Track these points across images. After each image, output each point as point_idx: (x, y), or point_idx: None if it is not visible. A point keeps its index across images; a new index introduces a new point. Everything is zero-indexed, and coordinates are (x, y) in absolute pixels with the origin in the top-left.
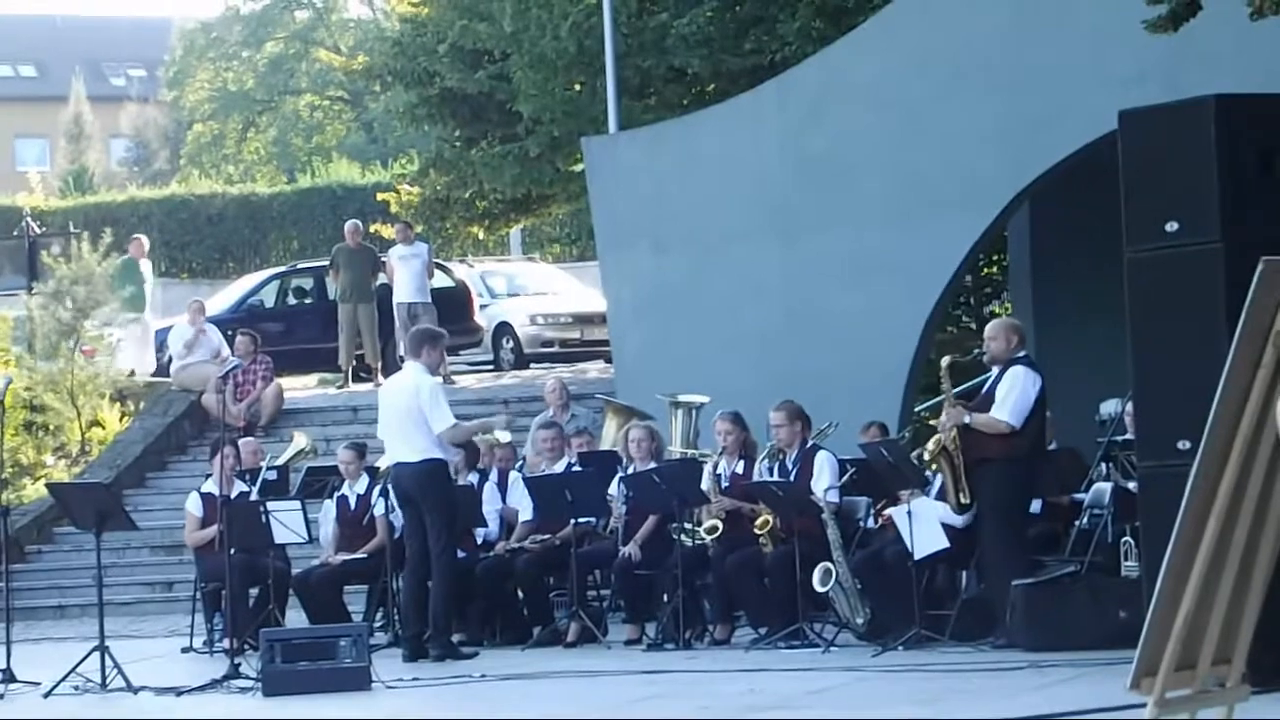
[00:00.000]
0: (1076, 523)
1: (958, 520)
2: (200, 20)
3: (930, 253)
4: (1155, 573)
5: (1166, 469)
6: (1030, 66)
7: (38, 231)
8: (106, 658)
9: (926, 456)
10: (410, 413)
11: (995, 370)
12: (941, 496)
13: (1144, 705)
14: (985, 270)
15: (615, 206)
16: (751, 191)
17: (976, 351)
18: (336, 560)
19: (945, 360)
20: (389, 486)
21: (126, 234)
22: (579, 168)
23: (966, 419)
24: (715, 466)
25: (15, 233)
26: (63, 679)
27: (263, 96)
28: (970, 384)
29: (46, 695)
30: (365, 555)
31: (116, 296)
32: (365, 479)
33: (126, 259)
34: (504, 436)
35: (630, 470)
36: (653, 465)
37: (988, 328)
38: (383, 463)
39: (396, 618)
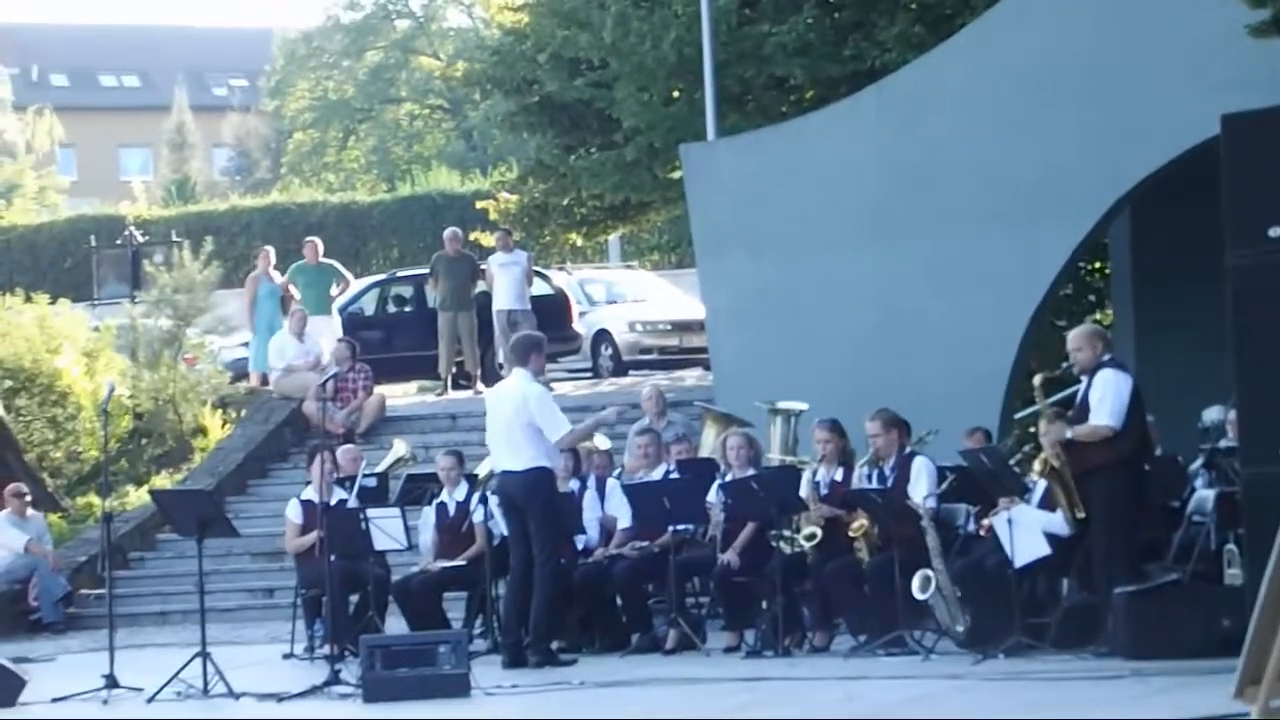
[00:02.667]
0: (1179, 530)
1: (1064, 529)
2: (301, 30)
3: (1028, 260)
4: (1258, 580)
5: (1269, 475)
6: (1129, 72)
7: (141, 240)
8: (208, 664)
9: (1035, 474)
10: (517, 421)
11: (1085, 379)
12: (1043, 505)
13: (1248, 714)
14: (1088, 278)
15: (713, 213)
16: (850, 198)
17: (1065, 365)
18: (435, 567)
19: (1037, 378)
20: (488, 494)
21: (228, 243)
22: (677, 174)
23: (1069, 434)
24: (814, 474)
25: (119, 241)
26: (165, 685)
27: (363, 105)
28: (1064, 394)
29: (150, 701)
30: (464, 562)
31: (297, 300)
32: (464, 486)
33: (301, 263)
34: (603, 444)
35: (729, 477)
36: (751, 472)
37: (1070, 338)
38: (482, 469)
39: (496, 624)
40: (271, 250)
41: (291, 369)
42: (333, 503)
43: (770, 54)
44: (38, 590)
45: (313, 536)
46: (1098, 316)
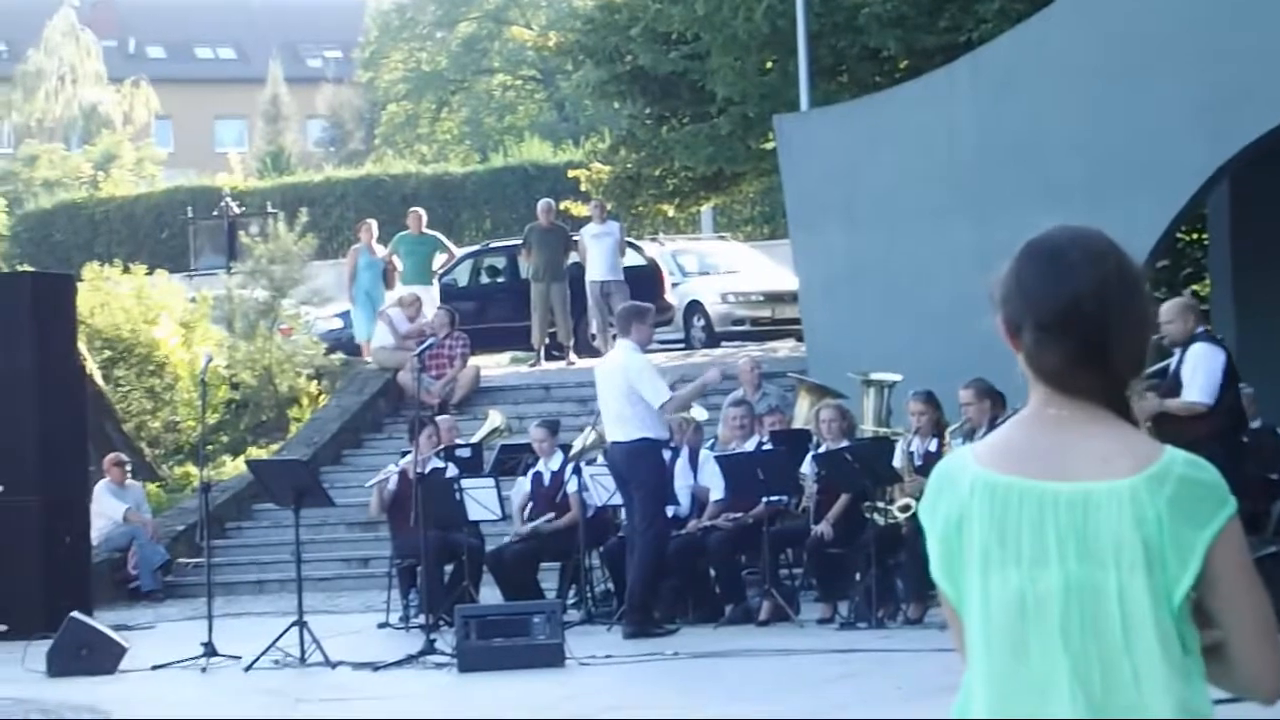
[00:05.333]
0: (1277, 503)
1: None
2: (395, 1)
3: (1124, 231)
4: None
5: None
6: (1228, 41)
7: (236, 212)
8: (305, 632)
9: None
10: (621, 392)
11: (1177, 353)
12: None
13: None
14: (1187, 249)
15: (807, 184)
16: (944, 168)
17: (1157, 337)
18: (525, 529)
19: None
20: (581, 464)
21: (322, 214)
22: (770, 145)
23: (1162, 407)
24: (908, 445)
25: (215, 213)
26: (263, 653)
27: (455, 76)
28: (1156, 368)
29: (247, 669)
30: (556, 521)
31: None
32: (559, 456)
33: (404, 233)
34: (700, 414)
35: (822, 449)
36: (845, 444)
37: (1162, 311)
38: (577, 442)
39: (589, 594)
40: (374, 223)
41: (400, 346)
42: (428, 473)
43: (864, 25)
44: (137, 559)
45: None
46: (1195, 287)
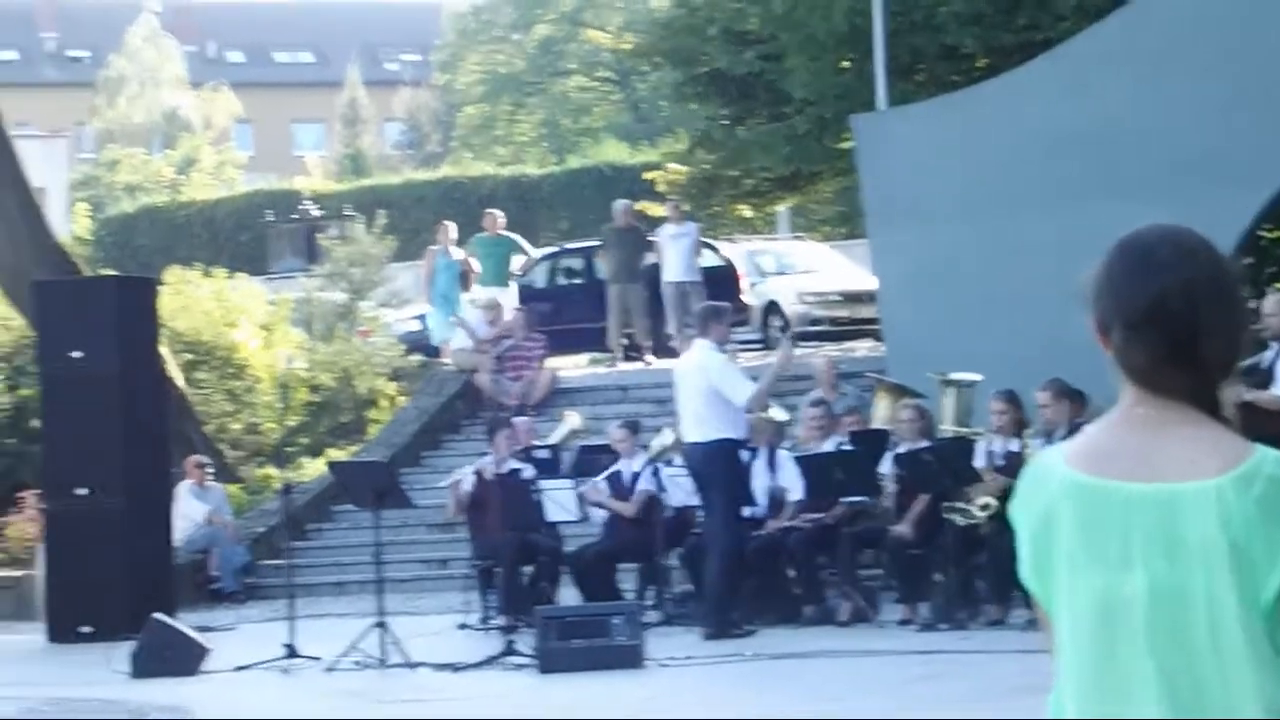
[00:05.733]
0: None
1: None
2: (471, 4)
3: (1206, 227)
4: None
5: None
6: None
7: (315, 215)
8: (386, 634)
9: None
10: (697, 392)
11: (1274, 346)
12: None
13: None
14: (1272, 246)
15: (884, 183)
16: (1023, 166)
17: (1256, 328)
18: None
19: None
20: (659, 465)
21: (400, 217)
22: (848, 145)
23: (1247, 396)
24: (988, 445)
25: (294, 216)
26: (344, 654)
27: (532, 78)
28: (1249, 361)
29: (328, 670)
30: (619, 506)
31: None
32: (642, 456)
33: (481, 235)
34: (779, 415)
35: (901, 449)
36: (924, 444)
37: (1266, 303)
38: (655, 442)
39: (668, 595)
40: (452, 225)
41: (479, 349)
42: (506, 475)
43: (942, 23)
44: (218, 560)
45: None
46: (1278, 285)
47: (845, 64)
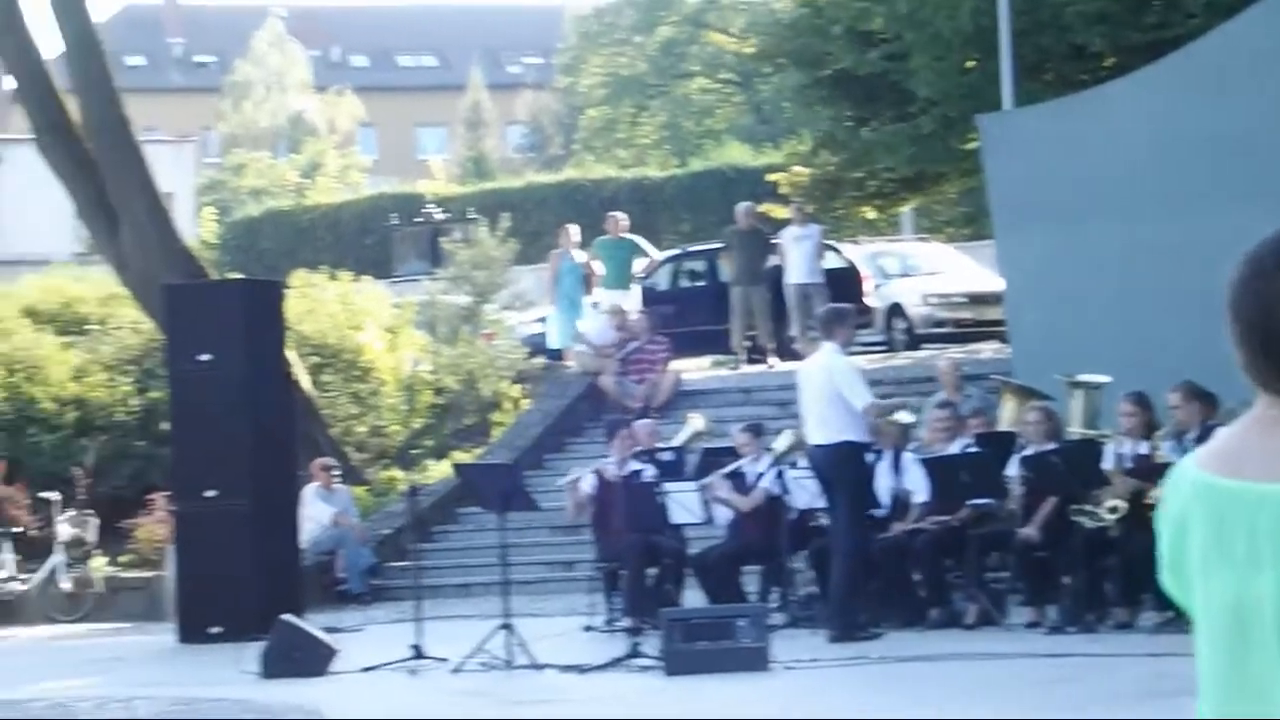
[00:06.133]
0: None
1: None
2: (593, 6)
3: None
4: None
5: None
6: None
7: (439, 218)
8: (512, 635)
9: None
10: (822, 394)
11: None
12: None
13: None
14: None
15: (1011, 184)
16: (1152, 167)
17: None
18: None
19: None
20: (782, 468)
21: (523, 219)
22: (973, 145)
23: None
24: (1118, 447)
25: (417, 219)
26: (470, 655)
27: (654, 80)
28: None
29: (455, 671)
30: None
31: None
32: (765, 459)
33: (603, 237)
34: (906, 418)
35: (1028, 451)
36: (1051, 446)
37: None
38: (778, 443)
39: (792, 598)
40: (575, 228)
41: (601, 352)
42: (630, 477)
43: (1069, 22)
44: (344, 562)
45: (582, 494)
46: None
47: (971, 63)
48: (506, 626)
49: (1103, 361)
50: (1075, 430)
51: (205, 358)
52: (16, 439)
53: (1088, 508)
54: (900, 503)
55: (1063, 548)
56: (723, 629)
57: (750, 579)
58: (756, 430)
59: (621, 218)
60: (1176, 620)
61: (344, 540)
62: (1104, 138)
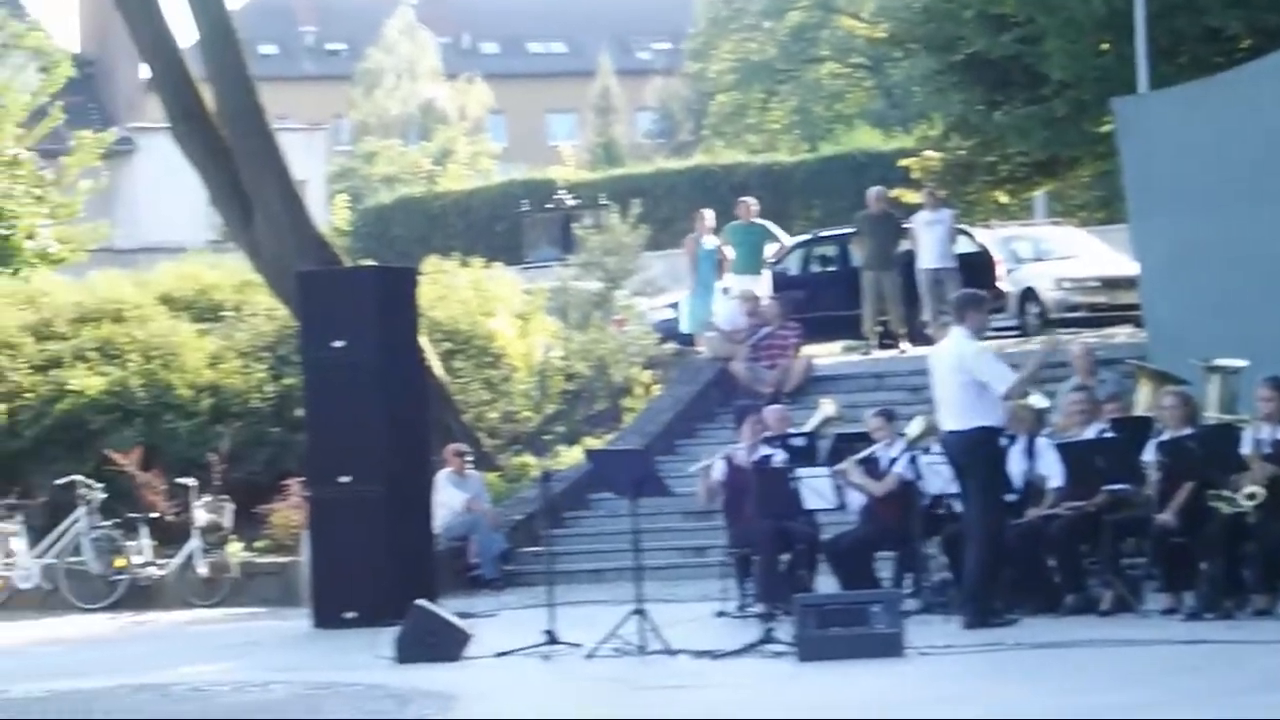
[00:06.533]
0: None
1: None
2: None
3: None
4: None
5: None
6: None
7: (570, 204)
8: (644, 621)
9: None
10: (955, 380)
11: None
12: None
13: None
14: None
15: (1146, 167)
16: None
17: None
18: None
19: None
20: (915, 453)
21: (653, 205)
22: (1106, 128)
23: None
24: (1256, 432)
25: (549, 205)
26: (604, 641)
27: (784, 66)
28: None
29: (588, 657)
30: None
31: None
32: (898, 444)
33: (734, 223)
34: (1040, 402)
35: (1165, 436)
36: (1188, 431)
37: None
38: (910, 429)
39: (926, 584)
40: (709, 213)
41: (732, 337)
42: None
43: (1204, 4)
44: (477, 547)
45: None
46: None
47: (1105, 46)
48: (639, 612)
49: (1240, 345)
50: (1212, 415)
51: (339, 344)
52: (153, 425)
53: (1225, 493)
54: (1034, 488)
55: (1200, 533)
56: (856, 615)
57: (882, 565)
58: (889, 415)
59: (752, 203)
60: None
61: (477, 526)
62: (1240, 120)
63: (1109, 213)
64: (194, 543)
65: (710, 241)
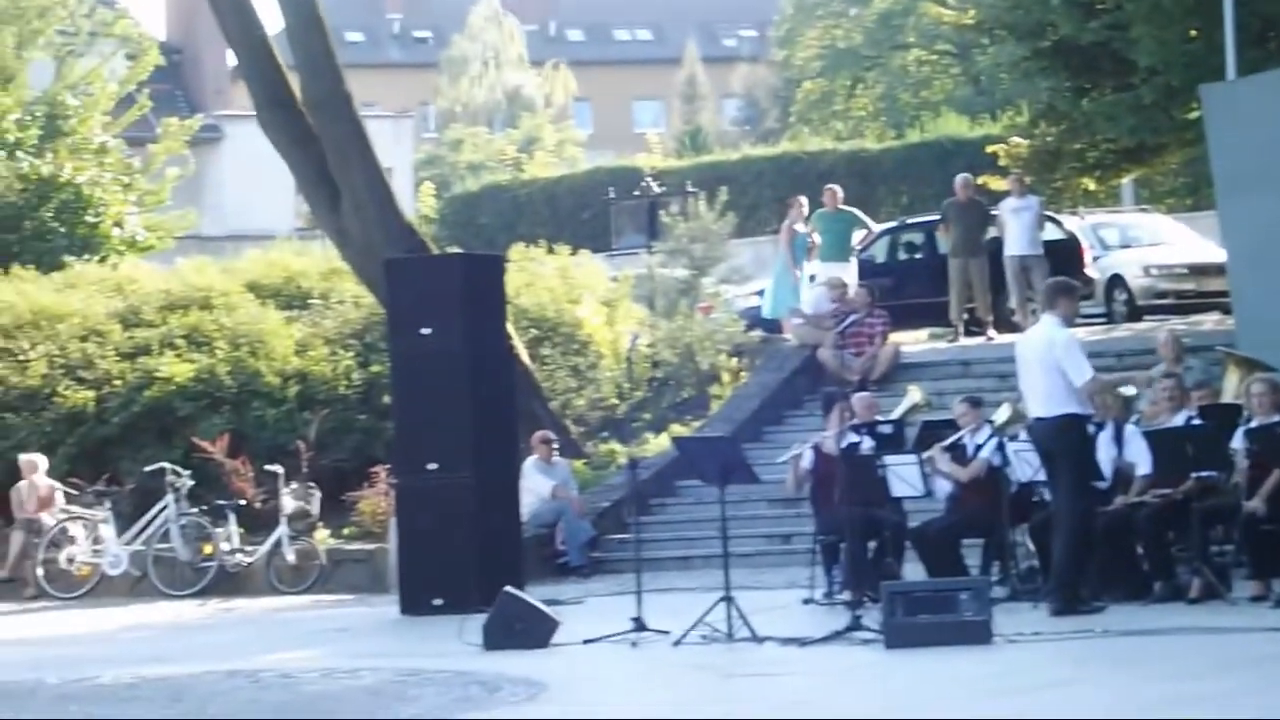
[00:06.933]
0: None
1: None
2: None
3: None
4: None
5: None
6: None
7: (657, 191)
8: (732, 608)
9: None
10: (1043, 367)
11: None
12: None
13: None
14: None
15: (1235, 154)
16: None
17: None
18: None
19: None
20: (1004, 440)
21: (739, 193)
22: (1195, 115)
23: None
24: None
25: (635, 193)
26: (691, 628)
27: (870, 52)
28: None
29: (676, 644)
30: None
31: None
32: (985, 430)
33: (821, 210)
34: (1128, 390)
35: (1254, 423)
36: (1277, 419)
37: None
38: (998, 416)
39: (1014, 571)
40: (804, 199)
41: (816, 322)
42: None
43: None
44: (564, 534)
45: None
46: None
47: (1193, 32)
48: (727, 599)
49: None
50: None
51: (426, 332)
52: (241, 412)
53: None
54: (1122, 476)
55: None
56: (944, 602)
57: (969, 553)
58: (976, 402)
59: (838, 190)
60: None
61: (563, 513)
62: None
63: (1196, 199)
64: (281, 530)
65: (802, 228)
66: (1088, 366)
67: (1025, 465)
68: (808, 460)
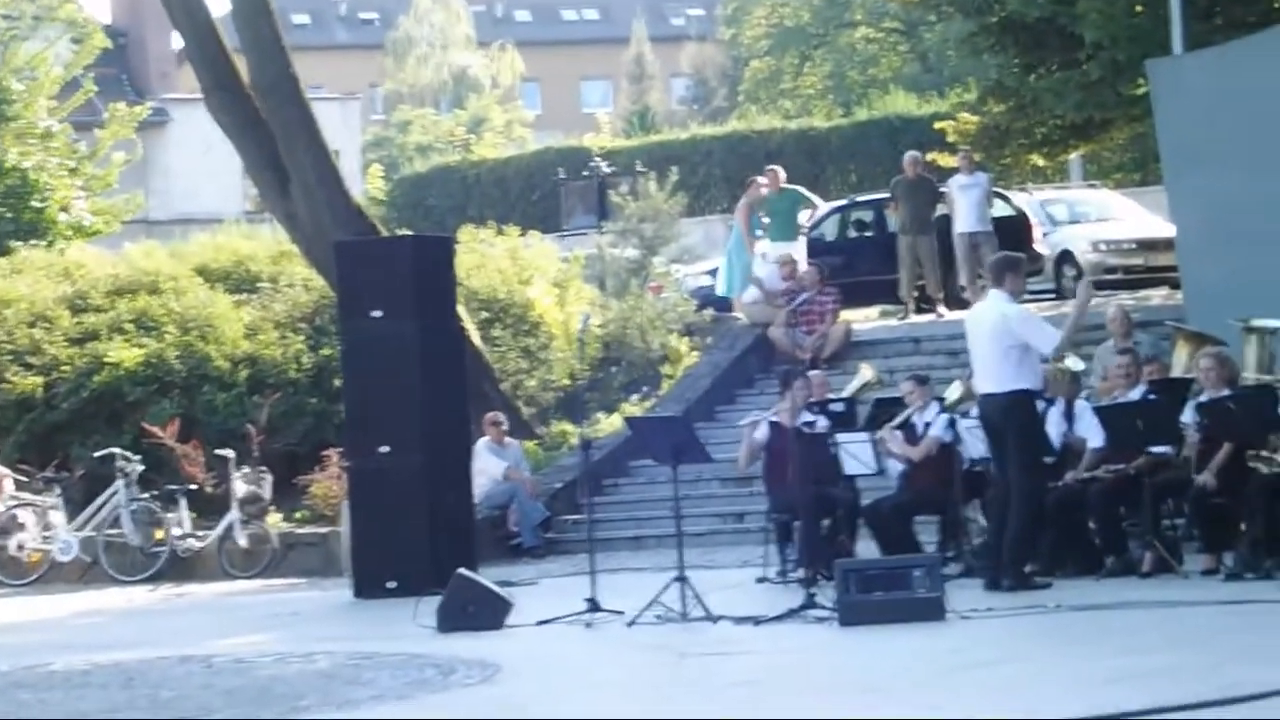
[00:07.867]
0: None
1: None
2: None
3: None
4: None
5: None
6: None
7: (606, 172)
8: (686, 588)
9: None
10: (994, 343)
11: None
12: None
13: None
14: None
15: (1181, 129)
16: None
17: None
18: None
19: None
20: (955, 417)
21: (689, 172)
22: (1141, 91)
23: None
24: None
25: (585, 173)
26: (646, 608)
27: (818, 30)
28: None
29: (630, 624)
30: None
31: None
32: (934, 407)
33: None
34: (1076, 365)
35: (1204, 397)
36: (1227, 392)
37: None
38: (950, 394)
39: (966, 548)
40: (764, 179)
41: (770, 299)
42: (801, 428)
43: None
44: (517, 516)
45: (756, 448)
46: None
47: (1139, 8)
48: (681, 579)
49: (1278, 306)
50: (1250, 375)
51: (376, 314)
52: (191, 397)
53: (1264, 453)
54: (1072, 451)
55: (1239, 494)
56: (898, 579)
57: (924, 529)
58: (923, 380)
59: (780, 171)
60: None
61: (516, 494)
62: (1274, 80)
63: (1144, 174)
64: (233, 514)
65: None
66: (1050, 329)
67: (977, 442)
68: (763, 433)
